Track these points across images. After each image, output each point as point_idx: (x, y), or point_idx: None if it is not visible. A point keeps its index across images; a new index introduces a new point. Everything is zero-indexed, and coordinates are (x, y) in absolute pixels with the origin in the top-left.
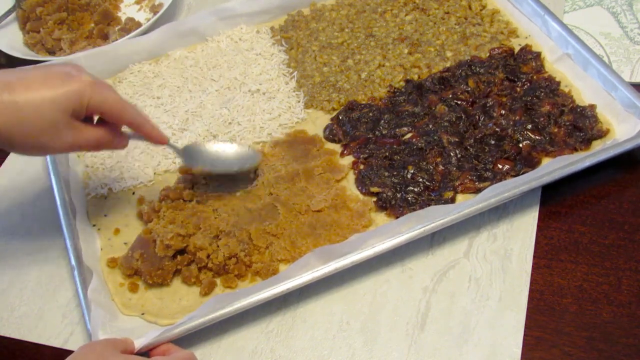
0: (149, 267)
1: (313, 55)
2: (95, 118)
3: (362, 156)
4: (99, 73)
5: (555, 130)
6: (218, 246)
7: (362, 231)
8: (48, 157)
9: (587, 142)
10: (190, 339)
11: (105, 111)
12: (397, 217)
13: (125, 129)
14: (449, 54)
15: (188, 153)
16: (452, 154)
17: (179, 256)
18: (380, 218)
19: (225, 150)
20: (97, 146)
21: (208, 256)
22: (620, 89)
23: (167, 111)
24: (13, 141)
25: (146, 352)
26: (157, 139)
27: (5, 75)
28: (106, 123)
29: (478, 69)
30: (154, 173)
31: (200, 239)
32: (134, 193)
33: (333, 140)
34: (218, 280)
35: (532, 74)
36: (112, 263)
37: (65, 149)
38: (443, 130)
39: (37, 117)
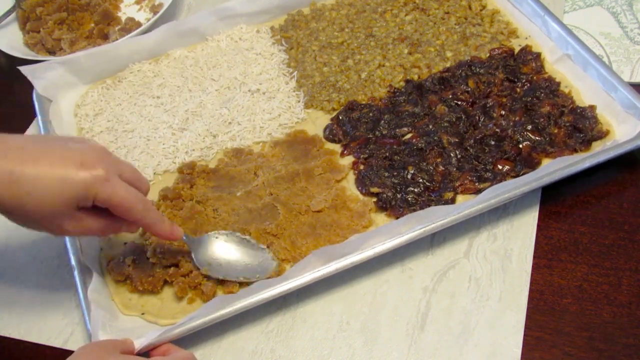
0: (139, 273)
1: (313, 55)
2: None
3: (362, 156)
4: (99, 73)
5: (555, 131)
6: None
7: (362, 231)
8: None
9: (587, 143)
10: (190, 339)
11: (112, 208)
12: (397, 218)
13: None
14: (449, 54)
15: (199, 248)
16: (452, 154)
17: (172, 268)
18: (380, 218)
19: (235, 256)
20: (101, 234)
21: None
22: (620, 89)
23: (167, 111)
24: (17, 219)
25: (146, 352)
26: (169, 237)
27: (20, 150)
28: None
29: (478, 69)
30: (154, 173)
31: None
32: None
33: (333, 140)
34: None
35: (532, 75)
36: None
37: (64, 234)
38: (443, 130)
39: (41, 203)
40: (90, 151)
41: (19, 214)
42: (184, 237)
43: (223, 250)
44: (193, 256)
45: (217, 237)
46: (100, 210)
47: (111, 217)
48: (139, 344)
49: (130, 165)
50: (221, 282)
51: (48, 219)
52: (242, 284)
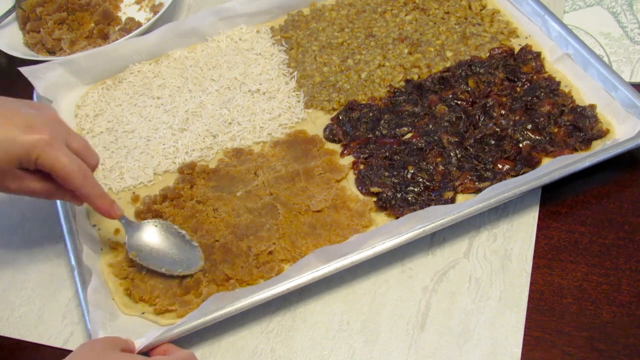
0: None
1: (313, 55)
2: None
3: (362, 156)
4: (99, 73)
5: (555, 130)
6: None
7: (362, 231)
8: None
9: (587, 142)
10: (190, 339)
11: (52, 174)
12: (397, 217)
13: None
14: (449, 54)
15: (134, 233)
16: (452, 154)
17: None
18: (381, 218)
19: (166, 247)
20: (44, 197)
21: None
22: (621, 89)
23: (167, 111)
24: None
25: (146, 352)
26: (107, 213)
27: None
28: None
29: (478, 69)
30: (154, 173)
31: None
32: (134, 193)
33: (333, 140)
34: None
35: (532, 74)
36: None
37: (9, 192)
38: (443, 130)
39: None
40: (39, 117)
41: None
42: (122, 220)
43: (156, 238)
44: (126, 239)
45: (155, 226)
46: (45, 174)
47: (55, 183)
48: (139, 343)
49: (82, 137)
50: (220, 284)
51: None
52: (240, 283)
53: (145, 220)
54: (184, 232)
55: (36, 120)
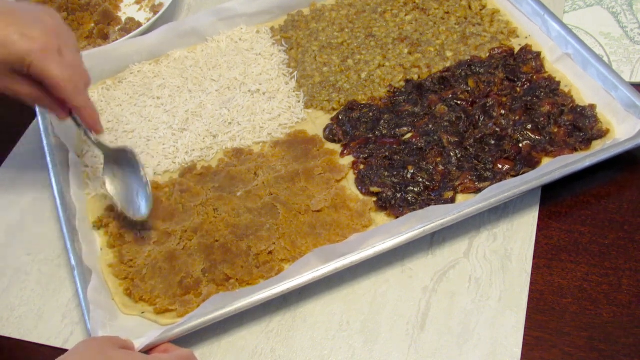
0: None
1: (313, 55)
2: None
3: (362, 156)
4: (99, 73)
5: (555, 130)
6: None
7: (362, 231)
8: (48, 158)
9: (587, 142)
10: (190, 338)
11: (43, 82)
12: (397, 217)
13: None
14: (449, 54)
15: (111, 159)
16: (452, 154)
17: None
18: (380, 218)
19: (132, 186)
20: (31, 101)
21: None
22: (621, 88)
23: (167, 111)
24: None
25: (146, 351)
26: (94, 126)
27: None
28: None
29: (478, 69)
30: (154, 173)
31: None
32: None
33: (333, 140)
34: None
35: (532, 74)
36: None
37: None
38: (443, 130)
39: None
40: (38, 24)
41: None
42: (103, 147)
43: (127, 172)
44: (103, 161)
45: (130, 157)
46: (36, 81)
47: (43, 91)
48: (139, 344)
49: (78, 51)
50: (219, 284)
51: None
52: (240, 283)
53: (121, 147)
54: (145, 176)
55: (33, 28)
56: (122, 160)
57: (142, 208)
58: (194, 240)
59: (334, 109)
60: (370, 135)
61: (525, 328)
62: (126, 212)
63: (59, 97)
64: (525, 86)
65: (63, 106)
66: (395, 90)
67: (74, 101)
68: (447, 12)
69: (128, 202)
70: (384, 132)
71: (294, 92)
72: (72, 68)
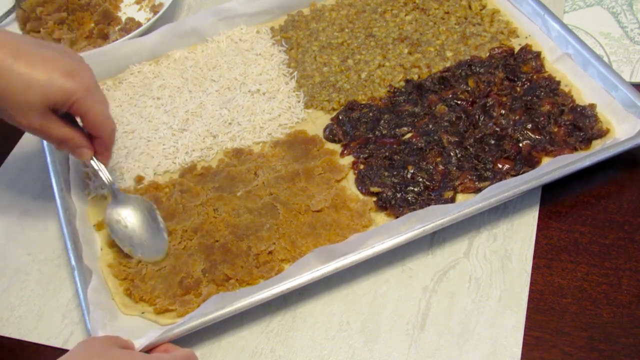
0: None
1: (313, 55)
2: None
3: (362, 156)
4: (99, 73)
5: (555, 129)
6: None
7: (362, 231)
8: (48, 158)
9: (587, 142)
10: (190, 339)
11: (85, 119)
12: (397, 217)
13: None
14: (449, 53)
15: (117, 202)
16: (452, 153)
17: None
18: (380, 218)
19: (139, 228)
20: (59, 143)
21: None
22: (621, 88)
23: (167, 111)
24: None
25: (146, 351)
26: (105, 160)
27: (20, 42)
28: (81, 129)
29: (478, 69)
30: (154, 173)
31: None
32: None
33: (333, 140)
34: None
35: (532, 74)
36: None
37: (30, 130)
38: (443, 130)
39: (21, 93)
40: (78, 65)
41: (4, 99)
42: (114, 187)
43: (133, 216)
44: (108, 207)
45: (137, 203)
46: (68, 122)
47: (75, 132)
48: (139, 344)
49: (105, 98)
50: (219, 284)
51: (22, 109)
52: (240, 283)
53: (132, 195)
54: (161, 219)
55: (75, 68)
56: (130, 204)
57: (159, 250)
58: (194, 240)
59: (334, 109)
60: (370, 135)
61: (525, 328)
62: (134, 254)
63: (97, 134)
64: (525, 86)
65: (91, 145)
66: (395, 90)
67: (106, 140)
68: (447, 12)
69: (134, 245)
70: (384, 132)
71: (294, 92)
72: (106, 105)
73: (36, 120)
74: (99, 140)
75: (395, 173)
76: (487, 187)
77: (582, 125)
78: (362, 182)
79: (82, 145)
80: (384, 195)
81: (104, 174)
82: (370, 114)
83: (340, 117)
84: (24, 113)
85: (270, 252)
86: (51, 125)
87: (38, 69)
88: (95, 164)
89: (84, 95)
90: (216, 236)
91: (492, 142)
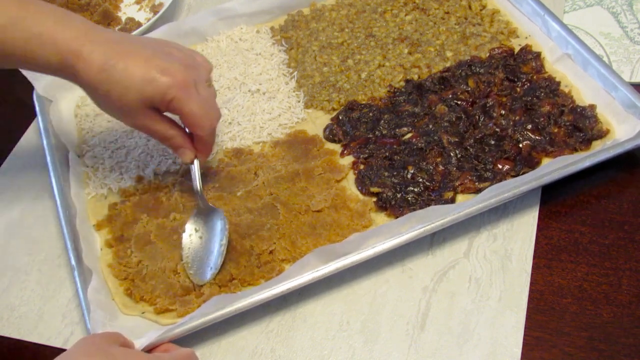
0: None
1: (313, 55)
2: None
3: (362, 156)
4: None
5: (555, 130)
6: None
7: (362, 231)
8: (48, 158)
9: (587, 142)
10: (190, 339)
11: (183, 116)
12: (397, 217)
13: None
14: (449, 54)
15: (205, 213)
16: (452, 154)
17: None
18: (380, 218)
19: (210, 249)
20: (162, 140)
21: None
22: (621, 89)
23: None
24: (100, 102)
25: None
26: (204, 159)
27: (122, 44)
28: (183, 129)
29: (478, 69)
30: (154, 173)
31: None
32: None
33: (333, 140)
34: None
35: (532, 74)
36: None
37: (135, 128)
38: (443, 130)
39: (122, 94)
40: (176, 61)
41: (104, 99)
42: (201, 196)
43: (208, 231)
44: (194, 212)
45: (216, 214)
46: (171, 119)
47: (177, 130)
48: (139, 344)
49: (212, 86)
50: (222, 285)
51: (124, 109)
52: (242, 283)
53: (216, 209)
54: (225, 242)
55: (173, 64)
56: (210, 218)
57: (207, 274)
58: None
59: (334, 109)
60: (370, 135)
61: (525, 328)
62: (188, 268)
63: (195, 133)
64: (525, 86)
65: (192, 146)
66: (395, 90)
67: (205, 138)
68: (447, 12)
69: (194, 259)
70: (384, 132)
71: (294, 92)
72: (207, 103)
73: (139, 119)
74: (198, 138)
75: (395, 173)
76: (487, 187)
77: (582, 125)
78: (362, 182)
79: (182, 145)
80: (384, 195)
81: (196, 182)
82: (370, 114)
83: (340, 117)
84: (126, 112)
85: (271, 252)
86: (153, 123)
87: (135, 70)
88: (193, 168)
89: (179, 93)
90: None
91: (492, 142)
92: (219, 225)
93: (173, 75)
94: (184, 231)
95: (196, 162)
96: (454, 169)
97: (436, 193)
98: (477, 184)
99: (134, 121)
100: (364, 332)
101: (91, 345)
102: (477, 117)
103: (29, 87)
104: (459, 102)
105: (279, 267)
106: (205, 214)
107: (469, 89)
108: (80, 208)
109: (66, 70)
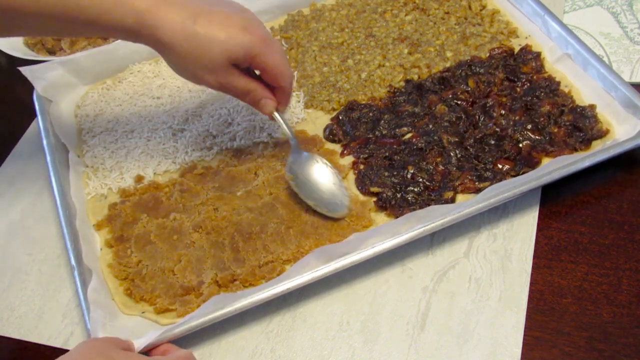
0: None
1: (313, 55)
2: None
3: (362, 156)
4: (99, 73)
5: (555, 130)
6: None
7: (362, 231)
8: (48, 157)
9: (587, 142)
10: (190, 339)
11: (266, 70)
12: (397, 217)
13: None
14: (449, 54)
15: (298, 158)
16: (452, 154)
17: None
18: (380, 218)
19: (321, 184)
20: (243, 95)
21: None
22: (620, 89)
23: (167, 111)
24: (178, 63)
25: (146, 352)
26: (284, 108)
27: (197, 3)
28: (262, 81)
29: (478, 69)
30: (154, 173)
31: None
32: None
33: (333, 140)
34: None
35: (532, 74)
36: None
37: (215, 86)
38: (443, 130)
39: (205, 53)
40: (253, 20)
41: (185, 58)
42: (293, 142)
43: (315, 172)
44: (293, 161)
45: (317, 161)
46: (249, 75)
47: (259, 83)
48: (139, 343)
49: (281, 47)
50: (223, 286)
51: (207, 67)
52: (243, 283)
53: (310, 153)
54: (339, 175)
55: (252, 23)
56: (313, 160)
57: (340, 205)
58: (202, 237)
59: (334, 109)
60: (370, 135)
61: (525, 328)
62: (318, 209)
63: (278, 84)
64: (525, 86)
65: (273, 96)
66: (395, 90)
67: (287, 89)
68: (447, 12)
69: (320, 199)
70: (384, 132)
71: (293, 92)
72: (284, 54)
73: (221, 76)
74: (279, 89)
75: (395, 173)
76: (487, 187)
77: (582, 125)
78: (362, 182)
79: (265, 96)
80: (384, 195)
81: (285, 128)
82: (370, 114)
83: (340, 117)
84: (210, 70)
85: (272, 252)
86: (235, 78)
87: (216, 28)
88: (277, 117)
89: (262, 48)
90: (223, 234)
91: (492, 142)
92: (322, 160)
93: (254, 32)
94: (291, 181)
95: (276, 113)
96: (454, 169)
97: (436, 193)
98: (477, 183)
99: (216, 78)
100: (364, 332)
101: (91, 349)
102: (477, 117)
103: (29, 87)
104: (459, 102)
105: (280, 268)
106: (307, 158)
107: (469, 89)
108: (80, 208)
109: (143, 30)
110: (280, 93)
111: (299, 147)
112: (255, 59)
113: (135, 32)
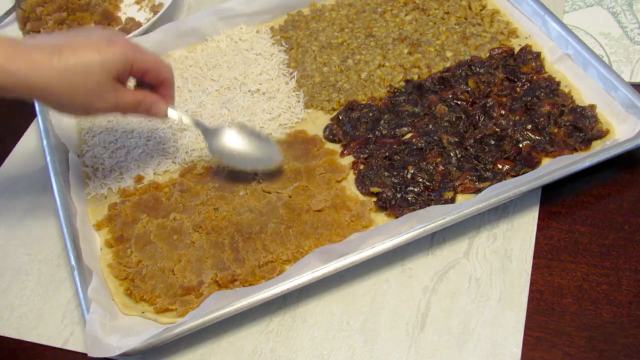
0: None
1: (313, 55)
2: (130, 84)
3: (362, 156)
4: None
5: (555, 130)
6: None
7: (362, 231)
8: (48, 157)
9: (587, 143)
10: (190, 339)
11: (148, 72)
12: (397, 217)
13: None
14: (449, 54)
15: (213, 137)
16: (452, 154)
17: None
18: (380, 218)
19: (245, 147)
20: (135, 108)
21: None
22: (620, 89)
23: None
24: (62, 102)
25: (146, 352)
26: (172, 100)
27: (50, 40)
28: (144, 89)
29: (478, 69)
30: (154, 173)
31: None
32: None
33: (333, 140)
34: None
35: (532, 74)
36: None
37: (107, 110)
38: (443, 130)
39: (86, 79)
40: (111, 32)
41: (68, 93)
42: (200, 127)
43: (235, 140)
44: (207, 143)
45: (231, 128)
46: (131, 89)
47: (143, 90)
48: (139, 342)
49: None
50: (221, 286)
51: (95, 93)
52: (243, 283)
53: (221, 125)
54: (257, 128)
55: (112, 35)
56: (227, 130)
57: (273, 156)
58: (203, 237)
59: (334, 109)
60: (370, 136)
61: (525, 328)
62: (258, 169)
63: (164, 77)
64: (525, 86)
65: (161, 98)
66: (395, 90)
67: (173, 79)
68: (447, 12)
69: (251, 161)
70: (384, 132)
71: (294, 92)
72: (152, 52)
73: (111, 96)
74: (164, 84)
75: (395, 173)
76: (487, 187)
77: (582, 126)
78: (362, 182)
79: (154, 100)
80: (384, 195)
81: (185, 117)
82: (370, 114)
83: (340, 117)
84: (98, 96)
85: (272, 252)
86: (123, 94)
87: (85, 52)
88: (172, 112)
89: (135, 52)
90: (223, 234)
91: (492, 142)
92: (236, 127)
93: (118, 42)
94: (219, 160)
95: (170, 109)
96: (454, 169)
97: (436, 193)
98: (477, 184)
99: (106, 100)
100: (364, 332)
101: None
102: (477, 117)
103: None
104: (459, 102)
105: (280, 268)
106: (219, 133)
107: (469, 89)
108: (80, 208)
109: (12, 79)
110: (165, 88)
111: (206, 127)
112: (135, 64)
113: (2, 85)
